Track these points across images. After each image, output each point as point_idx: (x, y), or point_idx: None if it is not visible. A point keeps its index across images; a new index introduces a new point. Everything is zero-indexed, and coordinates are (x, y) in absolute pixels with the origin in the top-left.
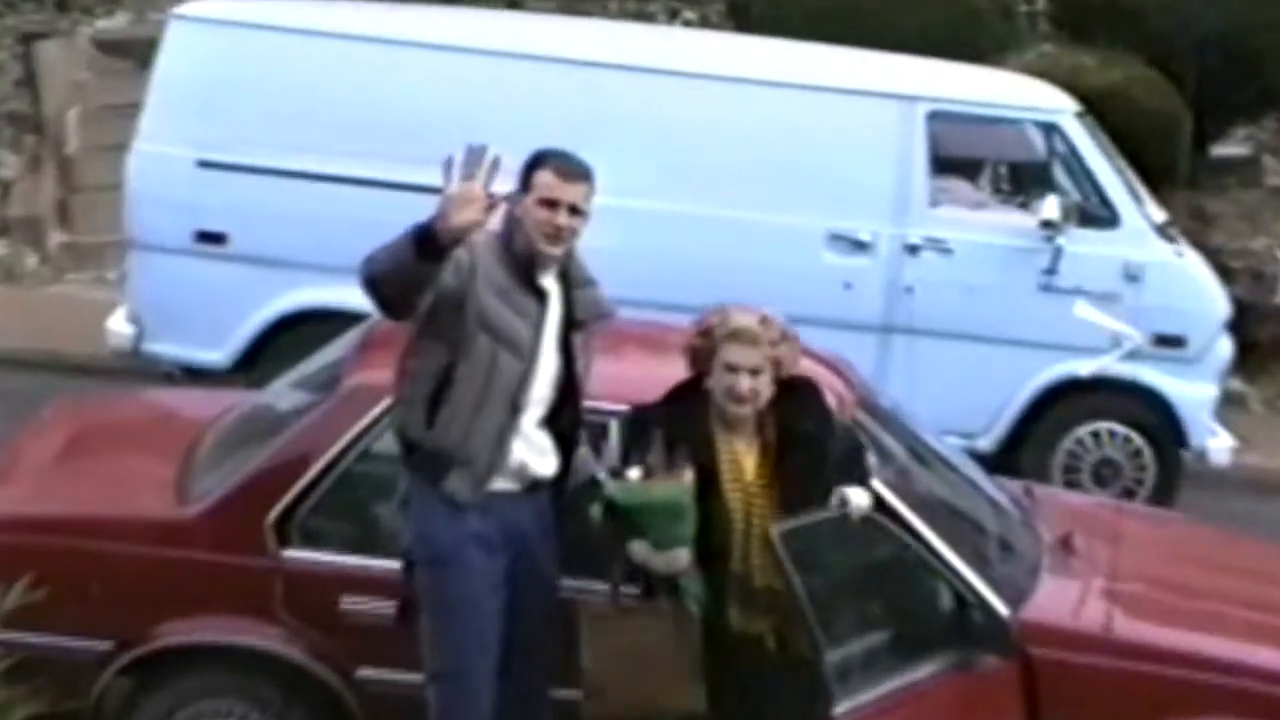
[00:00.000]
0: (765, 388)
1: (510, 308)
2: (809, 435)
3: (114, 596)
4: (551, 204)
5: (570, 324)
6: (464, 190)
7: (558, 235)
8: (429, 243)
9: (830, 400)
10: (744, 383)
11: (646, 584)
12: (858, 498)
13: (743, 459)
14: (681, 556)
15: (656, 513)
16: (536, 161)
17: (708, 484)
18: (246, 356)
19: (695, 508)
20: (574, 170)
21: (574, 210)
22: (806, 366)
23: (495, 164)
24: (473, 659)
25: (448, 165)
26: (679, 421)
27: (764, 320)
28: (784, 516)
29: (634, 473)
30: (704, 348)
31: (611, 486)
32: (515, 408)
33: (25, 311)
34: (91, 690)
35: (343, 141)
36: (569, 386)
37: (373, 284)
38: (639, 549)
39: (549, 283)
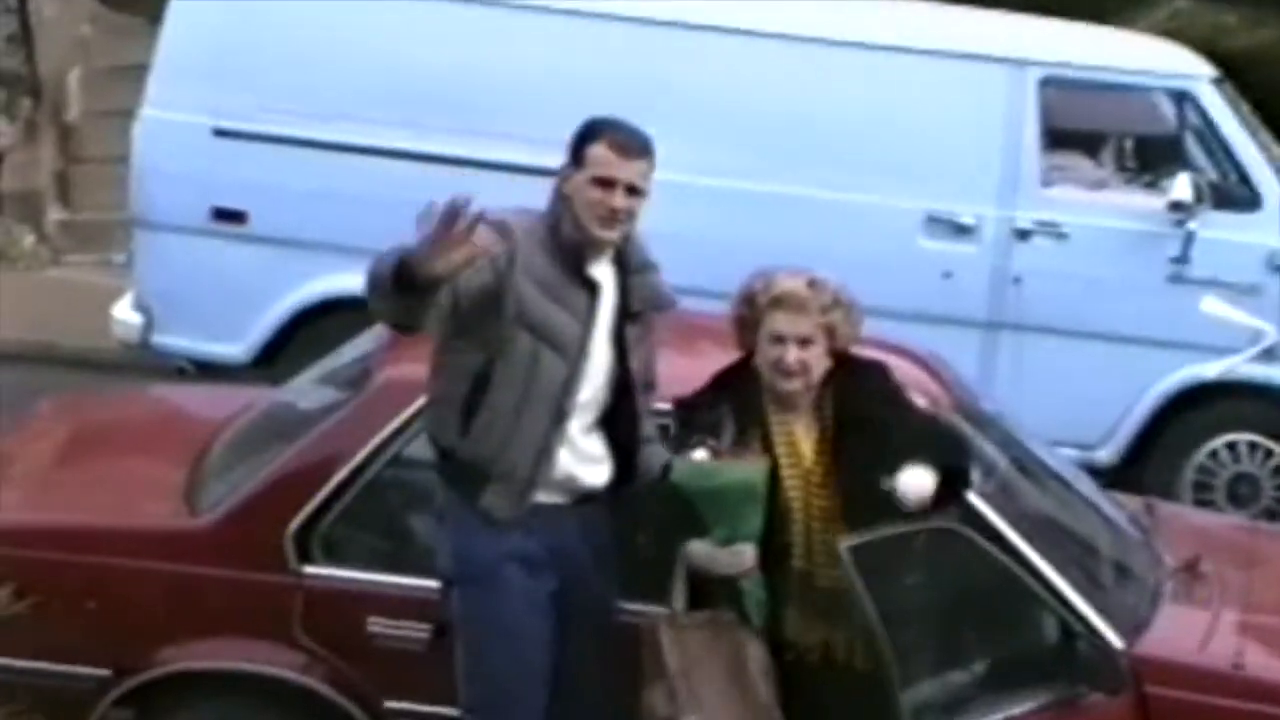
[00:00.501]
0: (818, 360)
1: (555, 302)
2: (870, 416)
3: (113, 616)
4: (607, 183)
5: (625, 315)
6: (447, 237)
7: (613, 218)
8: (406, 279)
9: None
10: (792, 354)
11: (701, 590)
12: (913, 479)
13: (800, 443)
14: (749, 554)
15: (727, 498)
16: (589, 133)
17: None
18: (267, 350)
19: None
20: (632, 144)
21: (632, 190)
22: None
23: (476, 219)
24: (512, 690)
25: (423, 216)
26: (730, 405)
27: (813, 283)
28: (843, 507)
29: (700, 454)
30: (749, 318)
31: (678, 465)
32: (561, 413)
33: (20, 298)
34: None
35: (378, 109)
36: (624, 386)
37: (368, 300)
38: (700, 549)
39: (601, 271)
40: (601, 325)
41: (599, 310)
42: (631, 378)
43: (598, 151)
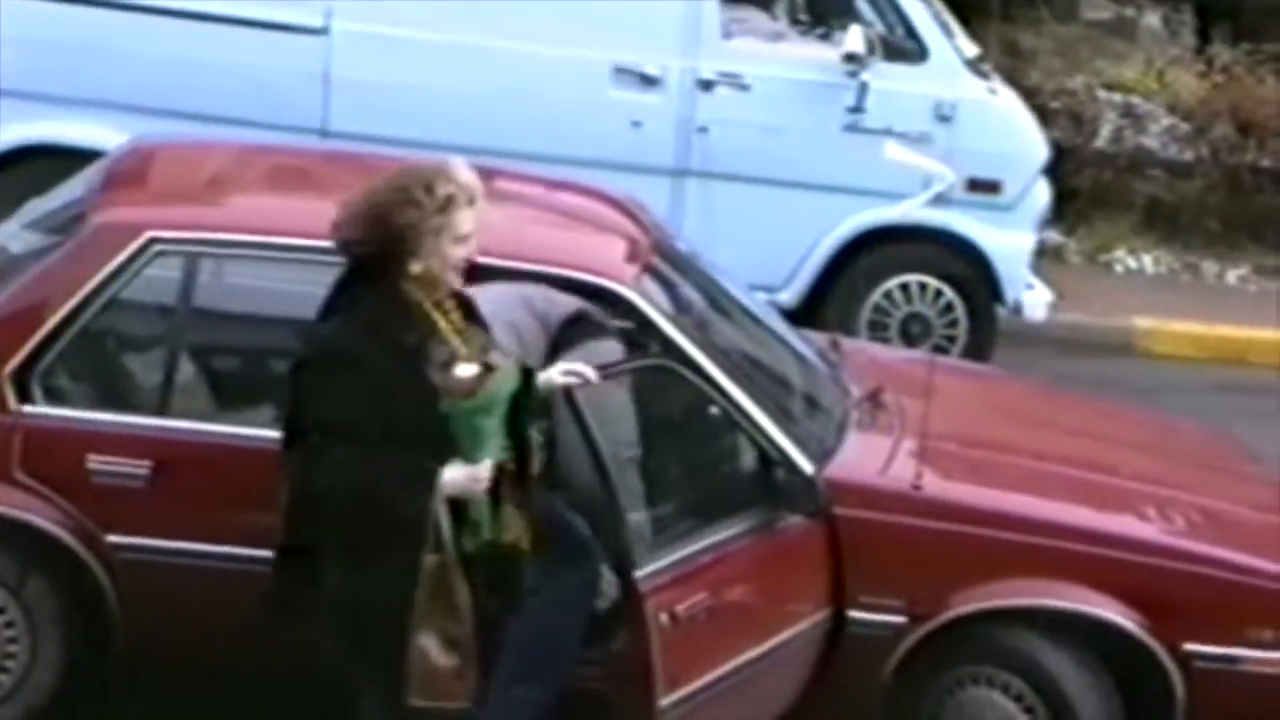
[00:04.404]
0: None
1: None
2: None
3: None
4: None
5: None
6: None
7: None
8: None
9: None
10: (470, 250)
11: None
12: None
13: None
14: (486, 469)
15: (493, 413)
16: None
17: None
18: None
19: None
20: None
21: None
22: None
23: None
24: None
25: None
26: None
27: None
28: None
29: (464, 369)
30: (422, 219)
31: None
32: None
33: None
34: None
35: None
36: None
37: None
38: (455, 475)
39: None
40: None
41: None
42: None
43: None
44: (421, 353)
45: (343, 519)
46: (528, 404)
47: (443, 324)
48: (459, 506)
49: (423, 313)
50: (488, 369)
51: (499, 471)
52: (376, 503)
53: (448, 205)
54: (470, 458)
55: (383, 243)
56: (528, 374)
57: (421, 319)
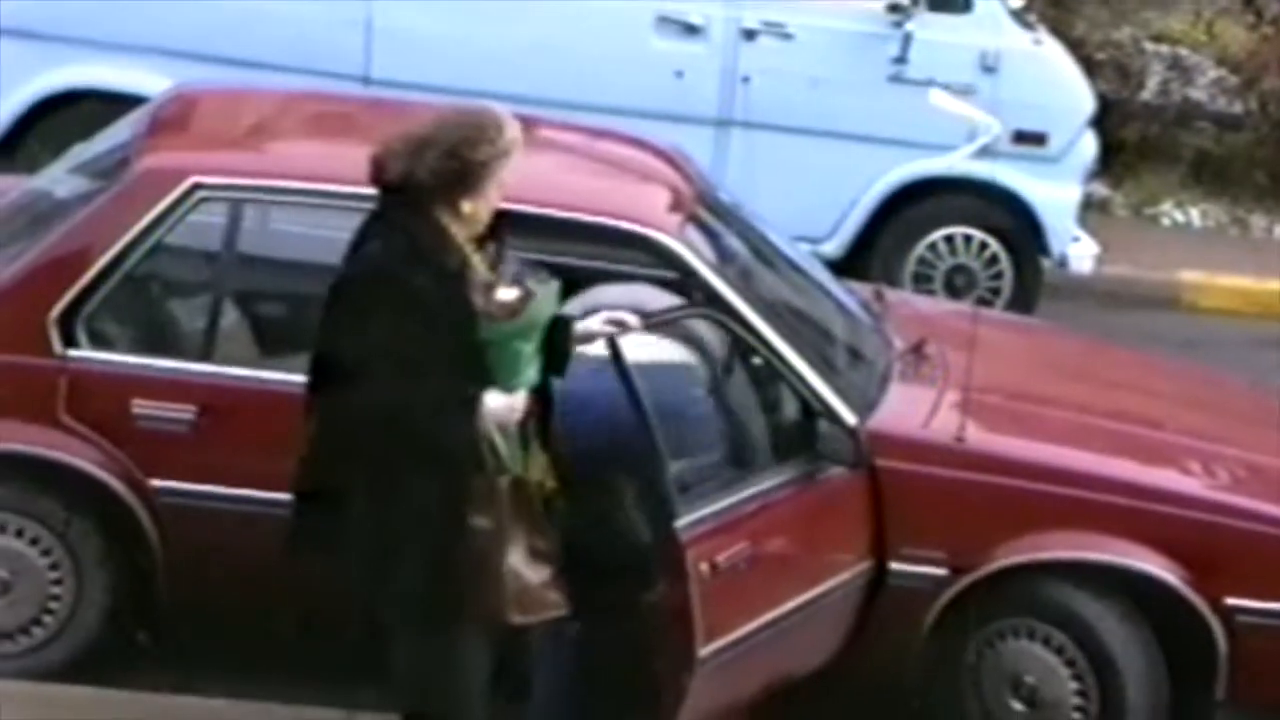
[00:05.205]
0: None
1: None
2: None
3: None
4: None
5: None
6: None
7: None
8: None
9: None
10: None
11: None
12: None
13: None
14: (522, 399)
15: (529, 337)
16: None
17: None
18: (5, 141)
19: None
20: None
21: None
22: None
23: None
24: None
25: None
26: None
27: None
28: None
29: (506, 293)
30: (493, 158)
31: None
32: None
33: None
34: None
35: None
36: None
37: None
38: (496, 404)
39: None
40: None
41: None
42: None
43: None
44: (463, 277)
45: (376, 446)
46: (562, 341)
47: (476, 258)
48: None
49: (458, 244)
50: (528, 293)
51: (527, 413)
52: (414, 428)
53: (511, 149)
54: (506, 384)
55: (451, 175)
56: (565, 321)
57: (458, 249)
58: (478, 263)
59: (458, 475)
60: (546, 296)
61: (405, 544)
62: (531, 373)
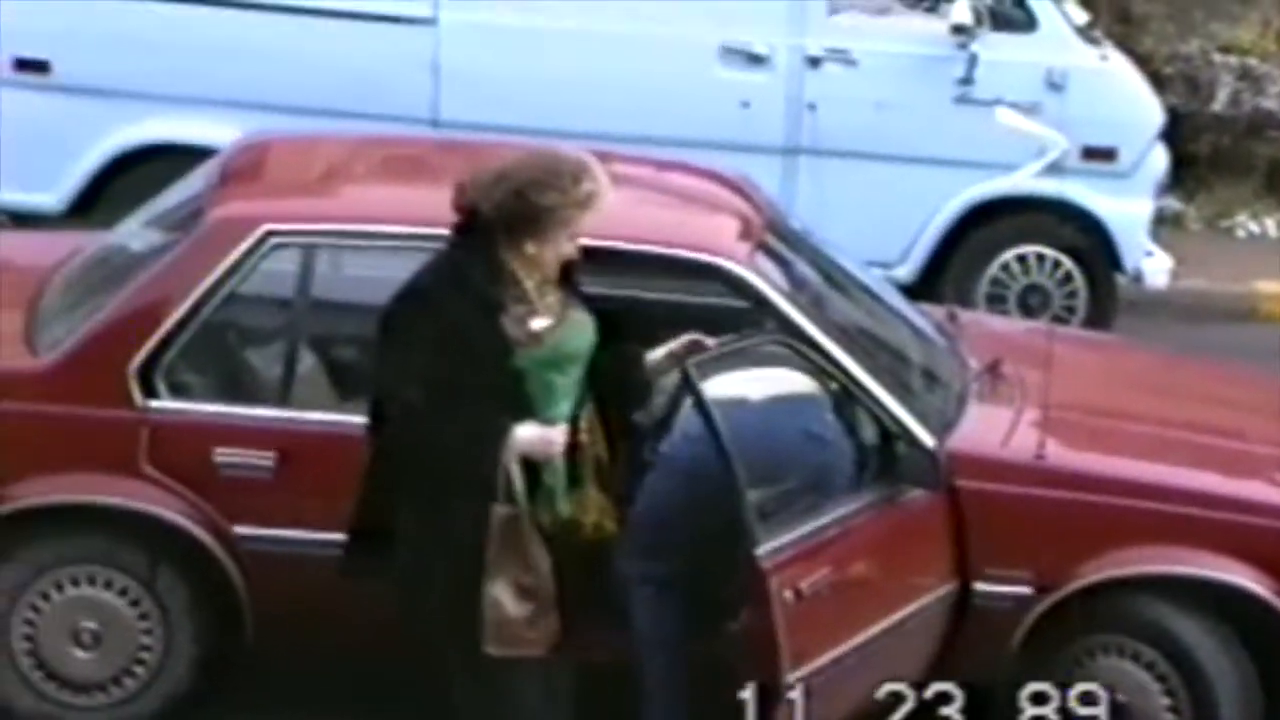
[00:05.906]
0: None
1: None
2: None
3: None
4: None
5: None
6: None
7: None
8: None
9: None
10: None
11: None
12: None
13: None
14: (560, 432)
15: (562, 368)
16: None
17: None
18: (83, 198)
19: None
20: None
21: None
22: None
23: None
24: None
25: None
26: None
27: None
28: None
29: (538, 322)
30: (561, 206)
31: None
32: None
33: None
34: None
35: None
36: None
37: None
38: (528, 434)
39: None
40: None
41: None
42: None
43: None
44: (502, 307)
45: (415, 472)
46: (624, 371)
47: (534, 293)
48: (535, 471)
49: (515, 279)
50: (555, 322)
51: (580, 451)
52: (446, 455)
53: (586, 202)
54: (542, 415)
55: (513, 214)
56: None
57: (511, 284)
58: (534, 299)
59: (486, 502)
60: (574, 326)
61: (441, 567)
62: (566, 406)
